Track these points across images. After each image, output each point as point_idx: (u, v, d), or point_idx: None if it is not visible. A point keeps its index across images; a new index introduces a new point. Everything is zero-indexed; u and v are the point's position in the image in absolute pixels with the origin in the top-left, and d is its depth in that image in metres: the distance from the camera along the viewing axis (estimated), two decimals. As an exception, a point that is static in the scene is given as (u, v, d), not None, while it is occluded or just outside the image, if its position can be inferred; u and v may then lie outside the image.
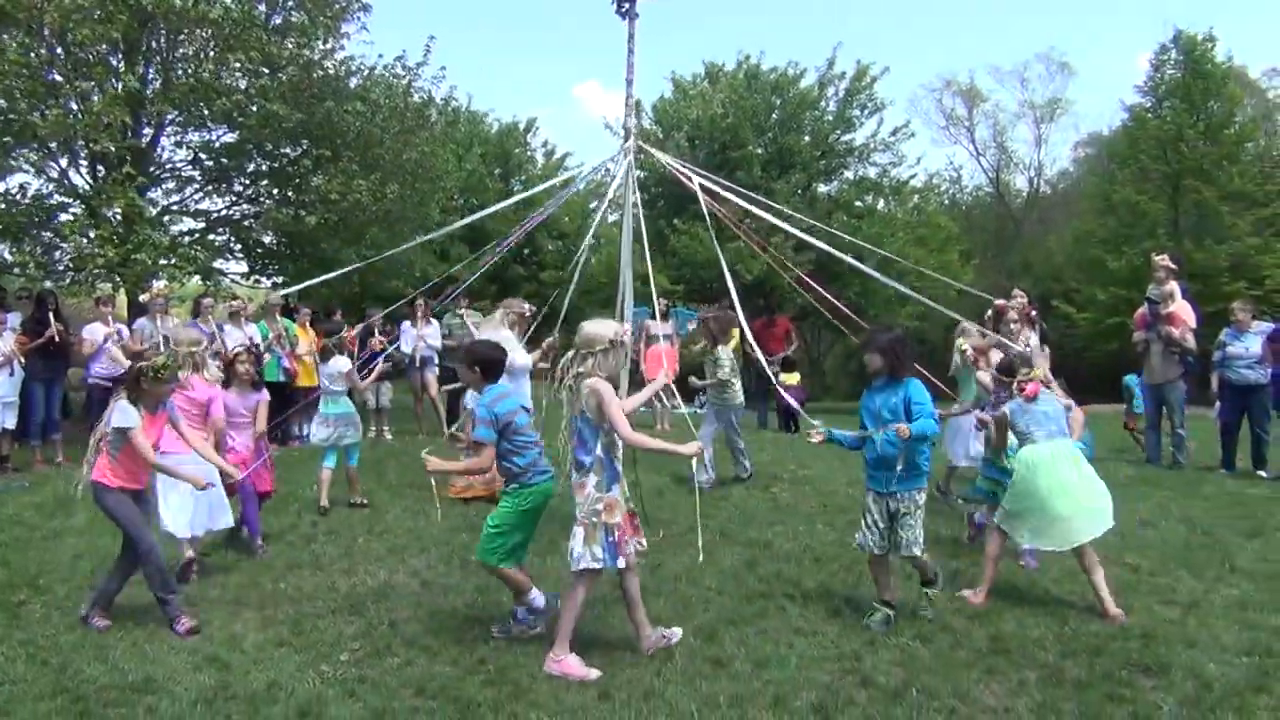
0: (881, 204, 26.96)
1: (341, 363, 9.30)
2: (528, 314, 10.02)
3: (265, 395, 8.15)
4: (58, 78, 13.32)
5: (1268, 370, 11.08)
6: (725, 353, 10.18)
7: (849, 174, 26.57)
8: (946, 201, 37.68)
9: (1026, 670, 5.21)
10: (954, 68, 66.57)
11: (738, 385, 10.38)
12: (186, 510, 6.80)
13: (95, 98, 12.92)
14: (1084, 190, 34.91)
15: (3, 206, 13.59)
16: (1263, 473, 11.12)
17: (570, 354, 5.45)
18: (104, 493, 5.92)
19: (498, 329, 9.83)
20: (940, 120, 43.27)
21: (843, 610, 6.16)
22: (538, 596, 5.81)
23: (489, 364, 5.69)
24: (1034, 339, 10.19)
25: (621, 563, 5.26)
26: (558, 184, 15.34)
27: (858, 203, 25.82)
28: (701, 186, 8.07)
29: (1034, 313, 10.09)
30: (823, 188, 25.95)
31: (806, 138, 25.15)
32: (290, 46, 14.10)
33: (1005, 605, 6.29)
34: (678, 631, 5.61)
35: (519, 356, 9.62)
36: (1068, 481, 6.20)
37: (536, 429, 5.80)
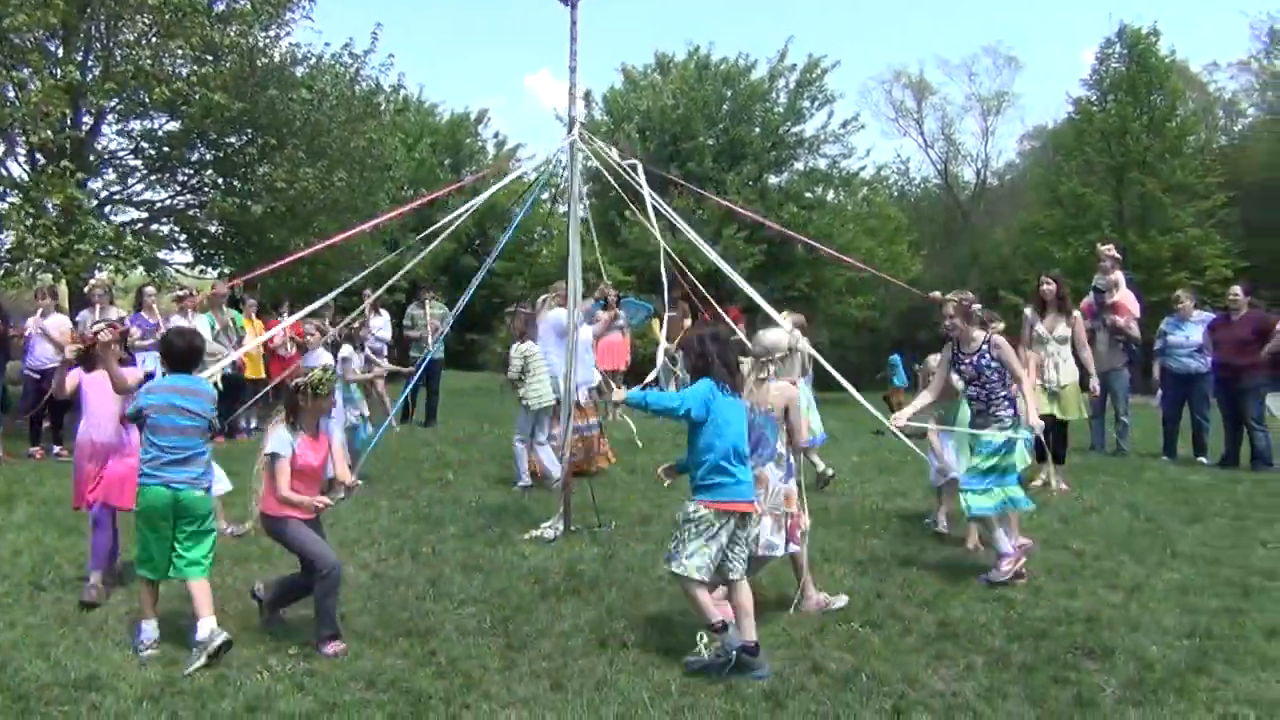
0: (831, 195, 27.08)
1: (323, 355, 9.67)
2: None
3: (138, 370, 7.00)
4: (-7, 64, 13.04)
5: (1208, 359, 11.29)
6: (518, 350, 9.81)
7: (799, 165, 26.67)
8: (895, 193, 37.96)
9: (974, 655, 5.28)
10: (903, 59, 67.08)
11: (535, 385, 9.87)
12: None
13: (33, 86, 12.63)
14: (1030, 182, 35.35)
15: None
16: (1203, 460, 11.34)
17: (750, 361, 5.91)
18: (274, 523, 5.54)
19: (549, 310, 9.91)
20: (890, 112, 43.66)
21: (792, 599, 6.20)
22: (146, 628, 5.39)
23: (167, 352, 5.81)
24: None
25: (793, 547, 5.91)
26: (502, 176, 15.28)
27: (808, 194, 25.89)
28: (645, 181, 8.04)
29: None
30: (773, 179, 26.01)
31: (757, 129, 25.20)
32: (232, 34, 13.87)
33: (953, 592, 6.37)
34: (842, 598, 6.10)
35: (581, 332, 9.67)
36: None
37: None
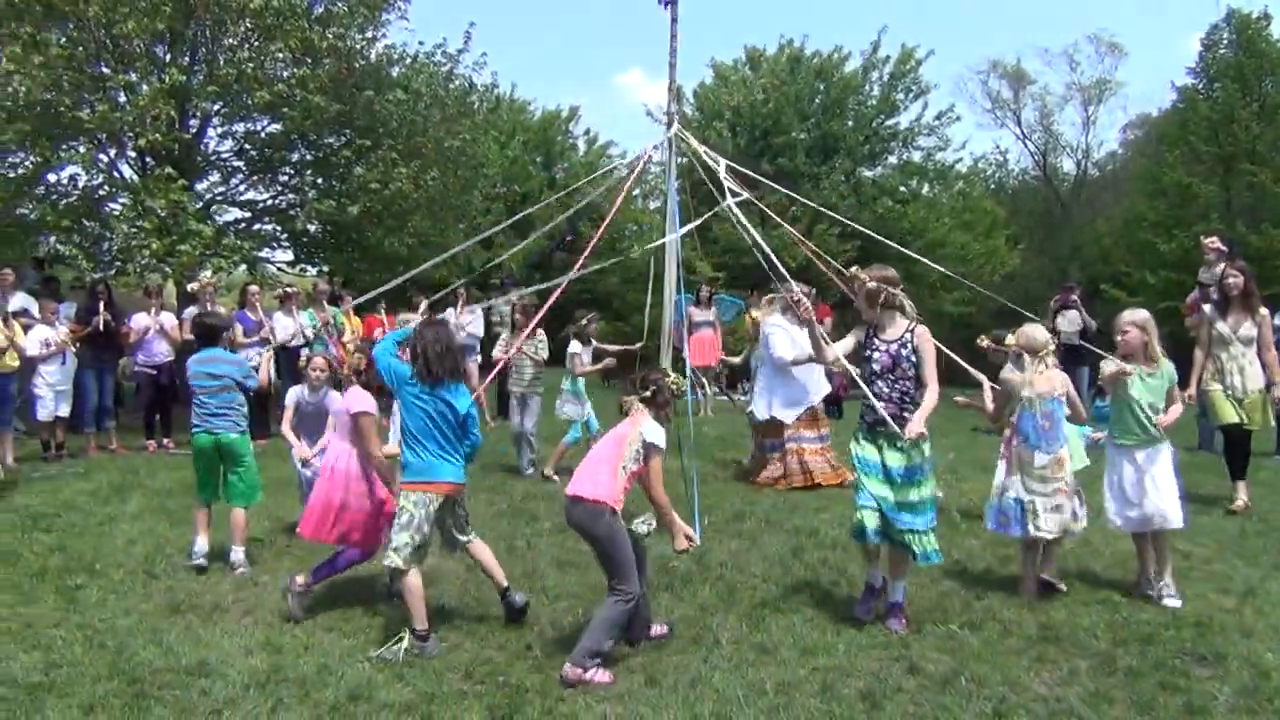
0: (926, 189, 26.63)
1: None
2: (794, 299, 9.80)
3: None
4: (105, 70, 13.50)
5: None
6: (531, 343, 10.33)
7: (893, 159, 26.28)
8: (992, 186, 37.14)
9: (1077, 659, 5.16)
10: (1000, 49, 65.38)
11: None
12: None
13: (143, 89, 13.06)
14: (1133, 173, 34.26)
15: (53, 198, 13.83)
16: (1318, 458, 10.92)
17: (1018, 356, 6.36)
18: (607, 515, 5.21)
19: (770, 314, 9.87)
20: (986, 103, 42.61)
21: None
22: (199, 544, 6.83)
23: (198, 331, 7.40)
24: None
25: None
26: (612, 175, 15.32)
27: (902, 188, 25.49)
28: (732, 177, 8.00)
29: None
30: (867, 173, 25.65)
31: (850, 123, 24.88)
32: (330, 36, 14.15)
33: (1056, 595, 6.22)
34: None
35: (778, 347, 9.63)
36: None
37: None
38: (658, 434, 5.39)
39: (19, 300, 11.51)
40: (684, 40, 7.79)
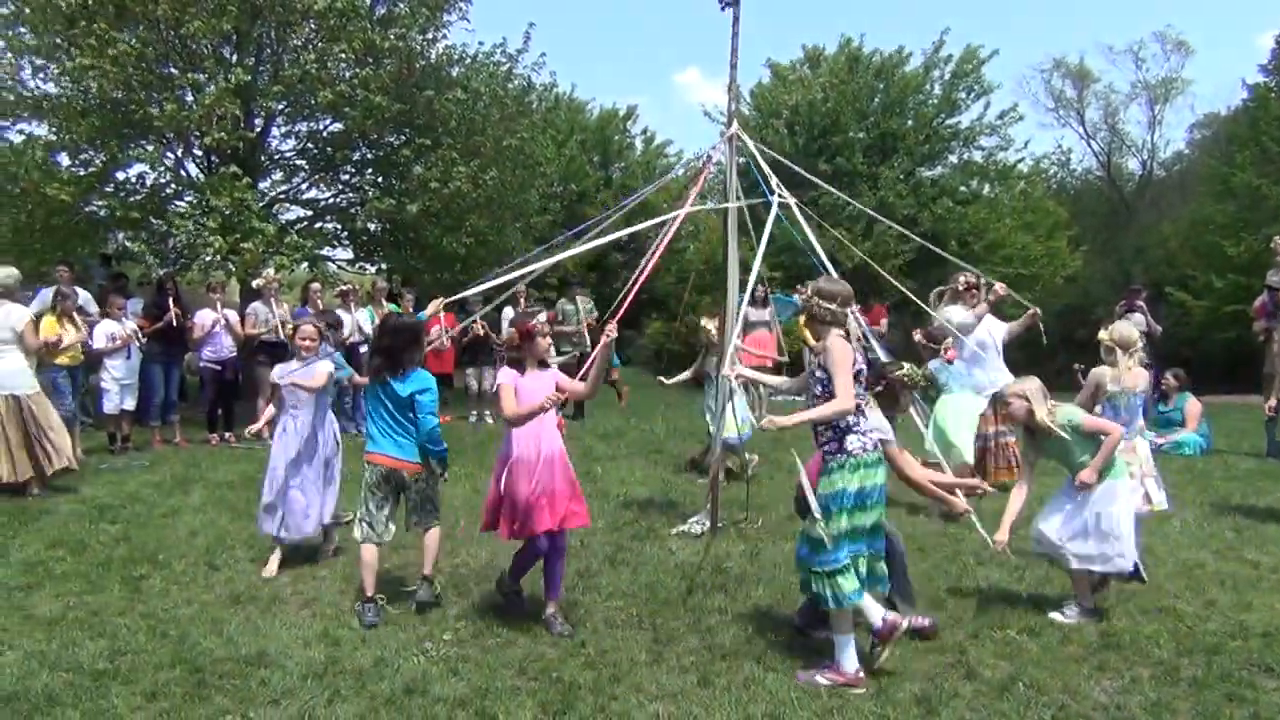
0: (987, 189, 26.26)
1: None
2: (961, 287, 9.38)
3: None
4: (173, 70, 13.78)
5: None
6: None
7: (953, 159, 25.95)
8: (1054, 186, 36.53)
9: (1139, 667, 5.06)
10: (1063, 47, 64.25)
11: None
12: None
13: (209, 89, 13.30)
14: (1200, 173, 33.52)
15: (122, 195, 14.14)
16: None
17: (1118, 353, 6.88)
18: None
19: (941, 306, 9.39)
20: (1049, 102, 41.91)
21: (946, 601, 6.06)
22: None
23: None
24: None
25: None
26: (676, 181, 15.33)
27: (962, 188, 25.17)
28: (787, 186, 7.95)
29: None
30: (926, 172, 25.35)
31: (910, 122, 24.61)
32: (391, 37, 14.30)
33: (1117, 601, 6.11)
34: None
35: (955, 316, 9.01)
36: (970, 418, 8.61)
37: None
38: (883, 427, 5.50)
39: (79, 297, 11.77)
40: (742, 40, 7.75)
